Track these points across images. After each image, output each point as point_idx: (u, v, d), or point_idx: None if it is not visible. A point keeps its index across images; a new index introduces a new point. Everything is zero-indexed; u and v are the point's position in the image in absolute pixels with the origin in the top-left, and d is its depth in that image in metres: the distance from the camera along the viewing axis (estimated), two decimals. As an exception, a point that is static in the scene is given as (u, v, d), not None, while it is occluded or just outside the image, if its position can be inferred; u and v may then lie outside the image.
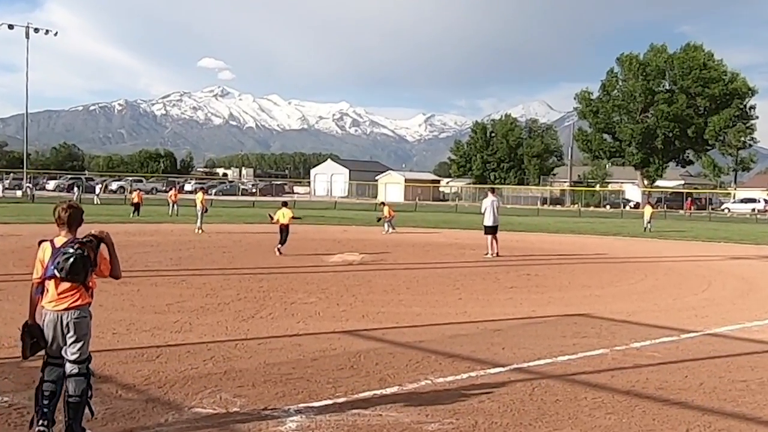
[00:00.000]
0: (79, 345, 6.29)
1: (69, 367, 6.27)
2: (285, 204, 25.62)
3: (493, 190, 27.32)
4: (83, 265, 6.29)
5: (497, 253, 24.67)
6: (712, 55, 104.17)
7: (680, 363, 9.93)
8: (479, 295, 15.94)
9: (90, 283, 6.43)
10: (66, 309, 6.29)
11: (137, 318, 11.92)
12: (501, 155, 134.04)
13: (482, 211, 26.05)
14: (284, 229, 24.09)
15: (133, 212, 44.07)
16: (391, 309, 13.78)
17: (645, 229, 45.33)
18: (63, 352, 6.31)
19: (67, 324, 6.28)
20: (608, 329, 12.22)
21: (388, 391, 8.20)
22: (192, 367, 8.99)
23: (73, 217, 6.51)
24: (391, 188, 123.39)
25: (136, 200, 45.33)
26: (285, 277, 18.10)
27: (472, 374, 9.03)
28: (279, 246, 23.60)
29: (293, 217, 24.88)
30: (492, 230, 25.13)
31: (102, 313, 11.23)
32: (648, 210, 47.55)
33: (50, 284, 6.31)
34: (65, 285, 6.30)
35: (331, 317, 12.72)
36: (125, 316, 12.01)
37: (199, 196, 34.58)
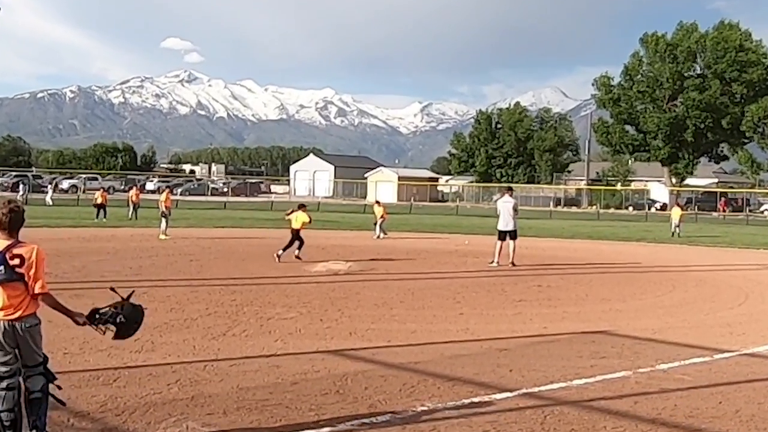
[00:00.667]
0: (34, 352, 6.64)
1: (25, 371, 6.61)
2: (302, 206, 26.00)
3: (509, 189, 27.48)
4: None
5: (512, 263, 24.61)
6: (750, 35, 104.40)
7: (713, 387, 9.94)
8: (483, 310, 15.96)
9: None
10: (18, 318, 6.56)
11: (92, 336, 11.78)
12: (508, 149, 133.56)
13: (497, 213, 26.27)
14: (294, 235, 24.69)
15: (98, 214, 44.11)
16: (383, 325, 13.80)
17: (673, 233, 45.45)
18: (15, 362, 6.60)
19: (22, 333, 6.56)
20: (631, 348, 12.24)
21: (379, 419, 8.19)
22: (154, 391, 8.97)
23: (14, 220, 6.67)
24: (383, 187, 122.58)
25: (100, 201, 45.19)
26: (261, 289, 18.12)
27: (475, 400, 9.02)
28: (280, 252, 24.14)
29: (306, 223, 25.19)
30: (502, 235, 25.21)
31: (52, 330, 11.11)
32: (676, 212, 47.66)
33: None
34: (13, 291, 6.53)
35: (313, 335, 12.73)
36: (78, 333, 11.84)
37: (164, 196, 34.67)
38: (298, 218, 24.89)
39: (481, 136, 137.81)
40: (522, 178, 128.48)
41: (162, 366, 10.19)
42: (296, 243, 24.66)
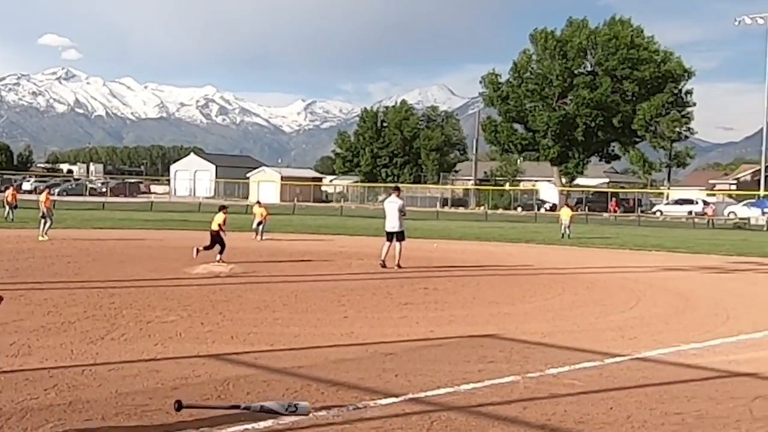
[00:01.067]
0: None
1: None
2: (223, 207, 26.94)
3: (397, 189, 27.58)
4: None
5: (398, 265, 24.84)
6: (642, 32, 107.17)
7: (604, 392, 10.03)
8: (368, 313, 16.05)
9: None
10: None
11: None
12: (394, 148, 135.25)
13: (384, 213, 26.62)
14: (214, 236, 25.38)
15: (8, 214, 45.00)
16: (265, 329, 13.83)
17: (563, 235, 46.23)
18: None
19: None
20: (520, 353, 12.33)
21: (261, 425, 8.14)
22: (31, 396, 8.84)
23: None
24: (265, 187, 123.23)
25: (10, 200, 45.82)
26: (140, 291, 18.04)
27: (360, 406, 9.01)
28: (199, 247, 25.00)
29: (222, 224, 25.74)
30: (389, 236, 25.46)
31: None
32: (566, 213, 48.36)
33: None
34: None
35: (194, 338, 12.72)
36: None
37: (43, 196, 35.32)
38: (216, 219, 25.61)
39: (366, 135, 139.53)
40: (408, 178, 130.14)
41: (39, 370, 10.04)
42: (217, 247, 25.09)
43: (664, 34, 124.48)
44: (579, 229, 52.56)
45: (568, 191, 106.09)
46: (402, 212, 25.79)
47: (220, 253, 24.93)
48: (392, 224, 25.53)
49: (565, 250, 37.80)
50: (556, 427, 8.46)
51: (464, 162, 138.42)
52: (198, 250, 24.71)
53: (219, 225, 25.46)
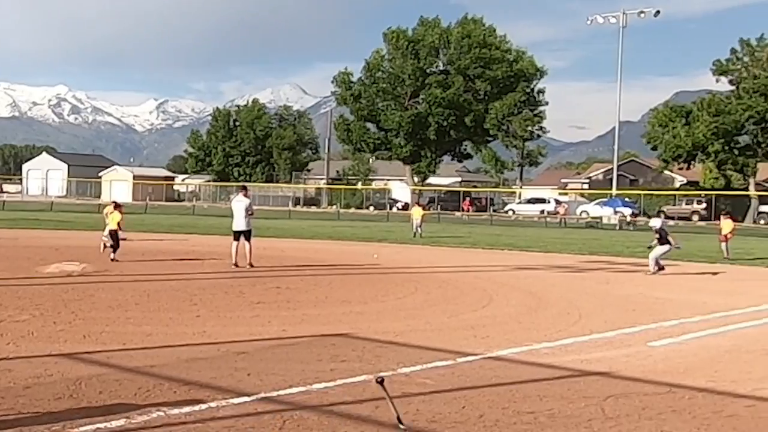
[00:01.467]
0: None
1: None
2: (117, 206, 28.48)
3: (244, 189, 27.75)
4: None
5: (250, 264, 25.08)
6: (494, 31, 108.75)
7: (456, 391, 10.14)
8: (221, 312, 16.14)
9: None
10: None
11: None
12: (246, 147, 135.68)
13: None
14: (113, 235, 26.42)
15: None
16: (118, 328, 13.84)
17: (415, 234, 46.59)
18: None
19: None
20: (372, 352, 12.40)
21: (114, 424, 8.12)
22: None
23: None
24: (118, 186, 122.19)
25: None
26: (-8, 290, 17.78)
27: (212, 405, 9.05)
28: (112, 254, 25.89)
29: (120, 222, 26.99)
30: (237, 236, 25.63)
31: None
32: (417, 212, 48.74)
33: None
34: None
35: (46, 338, 12.69)
36: None
37: None
38: (114, 218, 26.71)
39: (218, 134, 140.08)
40: (260, 177, 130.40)
41: None
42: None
43: (516, 34, 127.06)
44: (431, 228, 53.10)
45: (420, 190, 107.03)
46: (249, 211, 25.98)
47: (113, 251, 25.91)
48: (239, 223, 25.75)
49: (418, 249, 38.10)
50: (409, 426, 8.46)
51: (317, 161, 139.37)
52: (105, 247, 26.34)
53: (118, 223, 26.47)
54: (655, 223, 29.15)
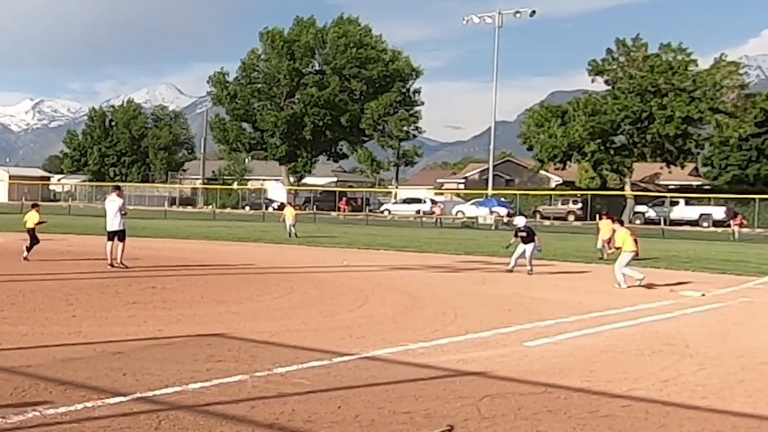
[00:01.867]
0: None
1: None
2: (35, 206, 29.41)
3: (117, 189, 27.63)
4: None
5: (122, 263, 25.05)
6: (370, 31, 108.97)
7: (332, 391, 10.18)
8: (96, 312, 16.08)
9: None
10: None
11: None
12: (122, 147, 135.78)
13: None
14: (31, 234, 27.20)
15: None
16: None
17: (289, 234, 46.50)
18: None
19: None
20: (248, 352, 12.39)
21: None
22: None
23: None
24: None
25: None
26: None
27: (88, 405, 8.97)
28: (25, 253, 26.48)
29: (38, 222, 27.82)
30: (111, 236, 25.50)
31: None
32: (289, 212, 48.53)
33: None
34: None
35: None
36: None
37: None
38: (31, 218, 27.57)
39: (94, 134, 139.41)
40: (136, 177, 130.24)
41: None
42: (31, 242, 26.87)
43: (392, 33, 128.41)
44: (307, 228, 53.09)
45: (296, 190, 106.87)
46: (122, 211, 25.88)
47: (28, 249, 26.62)
48: (112, 223, 25.62)
49: (293, 249, 38.07)
50: (284, 426, 8.52)
51: (192, 161, 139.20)
52: (25, 258, 26.19)
53: (35, 223, 27.37)
54: (519, 221, 29.41)
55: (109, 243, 25.34)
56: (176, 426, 8.39)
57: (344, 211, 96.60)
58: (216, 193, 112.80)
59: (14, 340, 12.68)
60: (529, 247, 27.34)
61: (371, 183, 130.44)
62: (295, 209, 50.39)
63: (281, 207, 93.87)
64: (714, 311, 19.39)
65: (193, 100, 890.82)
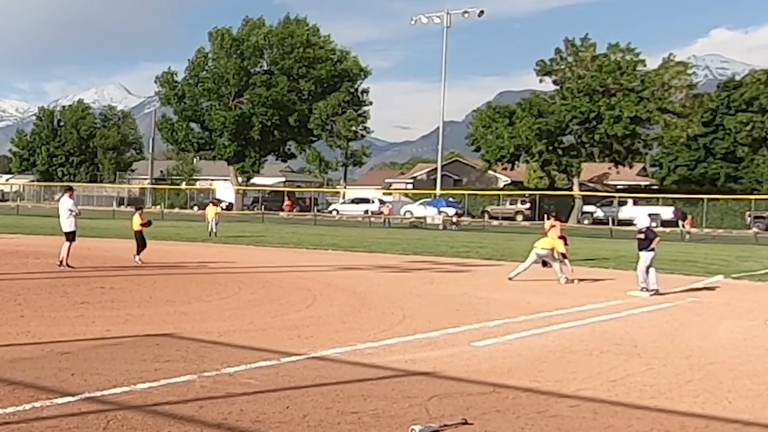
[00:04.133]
0: None
1: None
2: (139, 208, 30.88)
3: (69, 189, 27.95)
4: None
5: (66, 264, 24.98)
6: (318, 30, 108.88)
7: (280, 391, 10.18)
8: (45, 312, 16.03)
9: None
10: None
11: None
12: (70, 148, 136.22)
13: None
14: (138, 237, 28.17)
15: None
16: None
17: (210, 233, 46.57)
18: None
19: None
20: (196, 352, 12.39)
21: None
22: None
23: None
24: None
25: None
26: None
27: (36, 405, 8.95)
28: (136, 257, 27.47)
29: (143, 224, 28.71)
30: (66, 236, 25.57)
31: None
32: (211, 210, 48.63)
33: None
34: None
35: None
36: None
37: None
38: (135, 221, 28.80)
39: (42, 134, 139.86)
40: (85, 177, 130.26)
41: None
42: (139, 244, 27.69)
43: (340, 33, 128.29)
44: (255, 228, 53.13)
45: (244, 190, 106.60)
46: (73, 212, 25.93)
47: (138, 252, 27.60)
48: (63, 224, 25.77)
49: (241, 249, 38.00)
50: (233, 426, 8.53)
51: (141, 161, 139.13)
52: (139, 260, 27.28)
53: (141, 225, 28.40)
54: (643, 221, 24.57)
55: (66, 243, 25.42)
56: (124, 426, 8.38)
57: (292, 210, 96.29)
58: (164, 193, 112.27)
59: (-39, 341, 12.58)
60: (648, 256, 22.69)
61: (320, 183, 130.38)
62: (215, 207, 50.04)
63: (229, 207, 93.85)
64: (662, 311, 19.45)
65: (142, 100, 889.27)
